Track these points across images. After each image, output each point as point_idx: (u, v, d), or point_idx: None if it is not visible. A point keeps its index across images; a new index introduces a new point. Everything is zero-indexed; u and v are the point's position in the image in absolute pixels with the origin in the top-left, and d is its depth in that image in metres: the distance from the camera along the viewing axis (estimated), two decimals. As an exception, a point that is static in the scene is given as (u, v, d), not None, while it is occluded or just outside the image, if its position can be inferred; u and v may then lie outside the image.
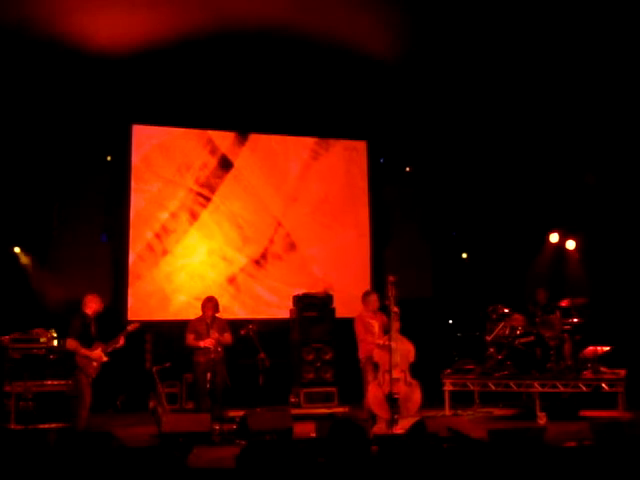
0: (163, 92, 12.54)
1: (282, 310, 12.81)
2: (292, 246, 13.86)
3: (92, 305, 9.67)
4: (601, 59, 11.39)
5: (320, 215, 14.12)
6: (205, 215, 13.44)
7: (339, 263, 14.01)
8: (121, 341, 9.63)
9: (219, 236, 13.49)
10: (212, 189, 13.50)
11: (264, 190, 13.80)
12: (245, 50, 11.54)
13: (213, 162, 13.54)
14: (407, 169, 14.59)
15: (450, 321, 14.56)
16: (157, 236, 13.11)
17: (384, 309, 9.97)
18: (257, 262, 13.62)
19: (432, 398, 10.89)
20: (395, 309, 9.62)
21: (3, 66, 11.24)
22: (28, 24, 10.42)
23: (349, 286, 13.39)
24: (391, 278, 9.75)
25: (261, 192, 13.78)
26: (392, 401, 9.26)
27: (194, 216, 13.36)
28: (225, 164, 13.60)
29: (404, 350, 9.58)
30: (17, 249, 12.27)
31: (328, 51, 11.55)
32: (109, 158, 12.89)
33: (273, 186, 13.89)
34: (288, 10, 10.41)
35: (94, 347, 9.46)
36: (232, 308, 13.00)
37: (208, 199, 13.47)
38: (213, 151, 13.57)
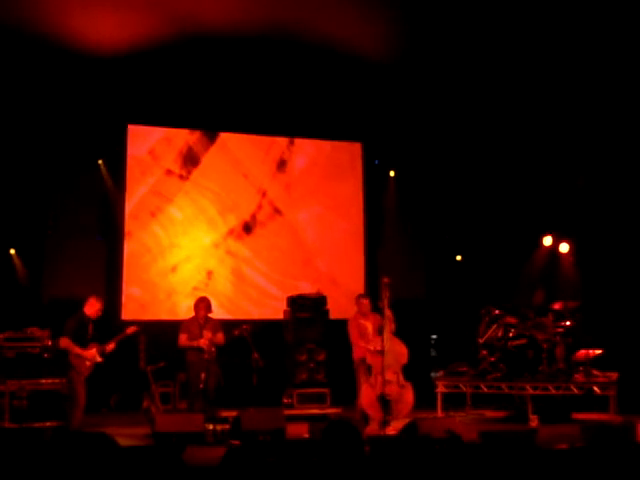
0: (160, 92, 12.56)
1: (281, 302, 12.74)
2: (289, 243, 13.96)
3: (94, 307, 9.72)
4: (593, 63, 11.44)
5: (314, 215, 14.19)
6: (208, 207, 13.57)
7: (333, 263, 14.07)
8: (111, 345, 9.71)
9: (222, 227, 13.58)
10: (216, 183, 13.64)
11: (258, 179, 13.92)
12: (243, 52, 11.57)
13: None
14: (391, 173, 14.60)
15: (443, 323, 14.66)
16: (152, 234, 13.16)
17: (378, 310, 10.01)
18: (264, 257, 13.75)
19: (424, 400, 10.92)
20: (389, 311, 9.66)
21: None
22: (22, 23, 10.43)
23: (343, 287, 13.45)
24: (385, 280, 9.80)
25: (255, 180, 13.90)
26: (384, 402, 9.31)
27: (195, 212, 13.47)
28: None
29: (397, 352, 9.62)
30: (12, 250, 12.27)
31: (325, 53, 11.59)
32: (100, 162, 12.90)
33: (273, 180, 14.02)
34: (286, 13, 10.44)
35: (89, 347, 9.51)
36: (234, 299, 13.34)
37: (212, 192, 13.62)
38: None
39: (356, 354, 10.02)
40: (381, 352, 9.49)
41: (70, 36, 10.89)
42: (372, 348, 9.64)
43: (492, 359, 11.41)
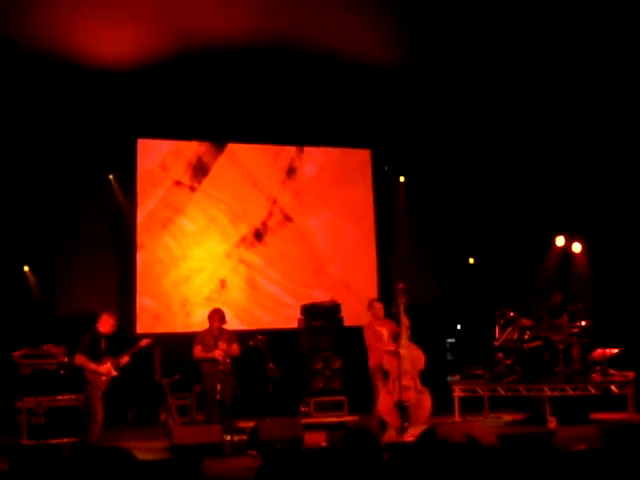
0: (168, 105, 12.61)
1: (294, 311, 12.75)
2: (301, 253, 13.95)
3: (107, 324, 9.72)
4: (600, 62, 11.42)
5: (325, 221, 14.18)
6: (219, 217, 13.57)
7: (345, 270, 14.04)
8: (125, 358, 9.70)
9: (234, 236, 13.57)
10: (224, 192, 13.63)
11: (268, 186, 13.92)
12: (249, 63, 11.62)
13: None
14: (401, 178, 14.58)
15: (458, 326, 14.63)
16: (164, 245, 13.17)
17: (392, 316, 9.99)
18: (277, 265, 13.74)
19: (442, 405, 10.88)
20: (405, 318, 9.63)
21: (8, 83, 11.33)
22: (33, 41, 10.51)
23: (356, 293, 13.43)
24: (400, 285, 9.78)
25: (265, 188, 13.90)
26: (402, 409, 9.28)
27: (207, 222, 13.45)
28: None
29: (414, 357, 9.59)
30: (26, 267, 12.30)
31: (332, 61, 11.62)
32: (111, 176, 12.94)
33: (283, 187, 14.03)
34: (291, 23, 10.47)
35: (103, 362, 9.52)
36: (248, 308, 13.36)
37: (223, 201, 13.61)
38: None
39: (372, 361, 9.99)
40: (398, 353, 9.46)
41: (80, 52, 10.98)
42: (390, 348, 9.60)
43: (508, 362, 11.36)
